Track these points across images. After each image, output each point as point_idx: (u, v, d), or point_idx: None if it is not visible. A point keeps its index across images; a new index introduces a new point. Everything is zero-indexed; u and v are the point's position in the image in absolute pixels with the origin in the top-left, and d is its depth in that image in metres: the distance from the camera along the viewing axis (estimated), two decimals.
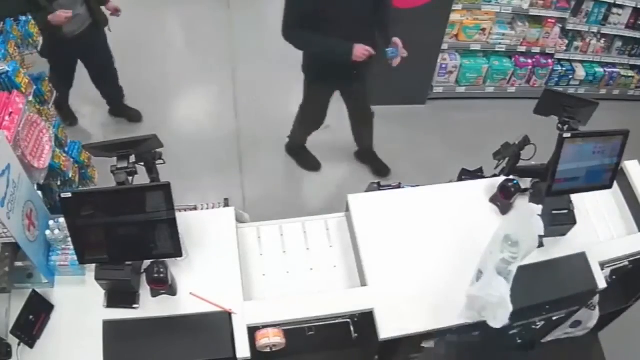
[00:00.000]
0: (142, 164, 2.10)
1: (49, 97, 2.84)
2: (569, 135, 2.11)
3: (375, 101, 3.93)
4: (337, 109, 4.11)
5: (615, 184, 2.34)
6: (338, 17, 3.10)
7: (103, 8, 3.78)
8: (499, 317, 1.88)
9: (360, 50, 3.16)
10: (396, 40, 3.32)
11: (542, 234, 1.93)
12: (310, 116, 3.85)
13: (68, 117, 4.26)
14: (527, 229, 1.87)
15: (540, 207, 1.91)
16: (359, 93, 3.69)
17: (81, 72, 4.38)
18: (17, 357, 1.94)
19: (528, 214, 1.89)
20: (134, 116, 4.40)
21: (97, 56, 3.97)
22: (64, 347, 1.97)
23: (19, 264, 1.99)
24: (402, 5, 3.96)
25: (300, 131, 4.00)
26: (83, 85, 4.30)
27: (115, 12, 3.79)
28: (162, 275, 1.97)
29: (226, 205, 2.49)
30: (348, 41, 3.15)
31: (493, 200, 2.40)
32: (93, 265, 1.99)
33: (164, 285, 2.00)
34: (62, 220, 2.01)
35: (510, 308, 1.85)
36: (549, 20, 4.43)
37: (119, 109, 4.40)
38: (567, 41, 4.61)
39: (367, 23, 3.26)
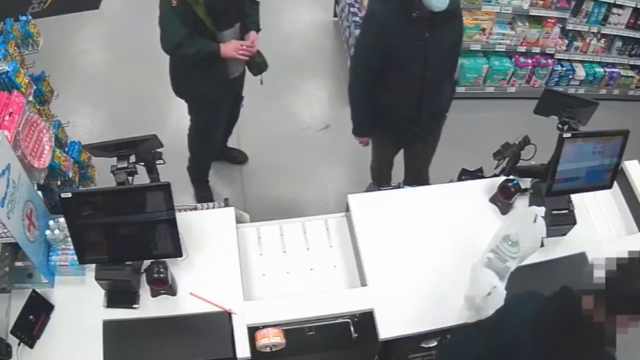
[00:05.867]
0: (142, 164, 2.10)
1: (49, 97, 2.84)
2: (569, 135, 2.11)
3: None
4: (338, 109, 4.10)
5: (615, 184, 2.34)
6: None
7: None
8: (496, 306, 1.86)
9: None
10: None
11: (545, 235, 1.93)
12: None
13: (208, 195, 3.61)
14: (528, 230, 1.87)
15: (543, 208, 1.90)
16: None
17: (75, 66, 4.35)
18: (17, 357, 1.94)
19: (530, 215, 1.89)
20: (237, 157, 3.91)
21: (239, 101, 3.38)
22: (64, 347, 1.97)
23: (19, 264, 2.00)
24: None
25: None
26: (82, 84, 4.29)
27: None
28: (162, 275, 1.97)
29: (226, 205, 2.49)
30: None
31: (493, 200, 2.40)
32: (93, 265, 1.99)
33: (164, 285, 2.01)
34: (62, 220, 2.01)
35: (504, 293, 1.84)
36: (549, 20, 4.42)
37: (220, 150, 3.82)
38: (567, 41, 4.60)
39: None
